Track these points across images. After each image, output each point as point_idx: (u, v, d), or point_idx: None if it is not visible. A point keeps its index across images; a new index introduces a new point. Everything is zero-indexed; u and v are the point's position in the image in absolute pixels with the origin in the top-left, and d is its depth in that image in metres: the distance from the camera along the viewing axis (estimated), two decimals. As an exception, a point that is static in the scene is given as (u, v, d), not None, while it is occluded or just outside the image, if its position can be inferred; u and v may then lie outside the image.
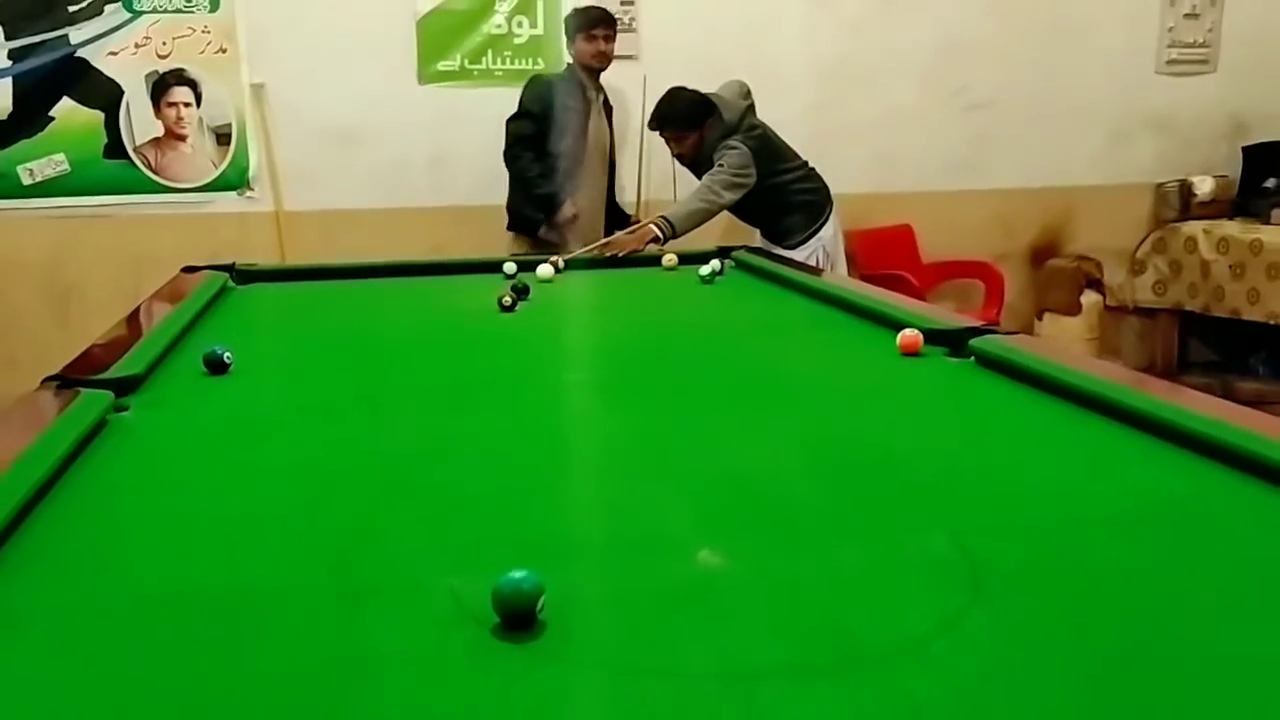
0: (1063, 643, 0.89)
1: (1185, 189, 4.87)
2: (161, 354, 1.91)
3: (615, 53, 4.02)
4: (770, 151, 3.75)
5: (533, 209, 3.92)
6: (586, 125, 3.97)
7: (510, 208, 4.01)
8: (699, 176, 3.77)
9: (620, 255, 3.33)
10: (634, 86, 4.30)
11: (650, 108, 3.85)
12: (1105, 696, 0.81)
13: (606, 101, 4.11)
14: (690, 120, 3.72)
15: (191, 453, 1.48)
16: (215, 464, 1.43)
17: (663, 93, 3.83)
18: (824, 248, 3.84)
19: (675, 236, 3.51)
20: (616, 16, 4.15)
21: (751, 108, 3.83)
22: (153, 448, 1.48)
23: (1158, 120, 4.99)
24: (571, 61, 4.07)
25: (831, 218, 3.90)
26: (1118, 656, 0.87)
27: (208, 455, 1.47)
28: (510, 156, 3.95)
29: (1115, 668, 0.85)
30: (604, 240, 3.51)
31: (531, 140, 3.90)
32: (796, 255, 3.63)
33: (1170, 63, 4.98)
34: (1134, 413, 1.44)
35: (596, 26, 3.94)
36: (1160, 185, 4.96)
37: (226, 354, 1.86)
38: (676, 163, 3.98)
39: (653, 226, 3.49)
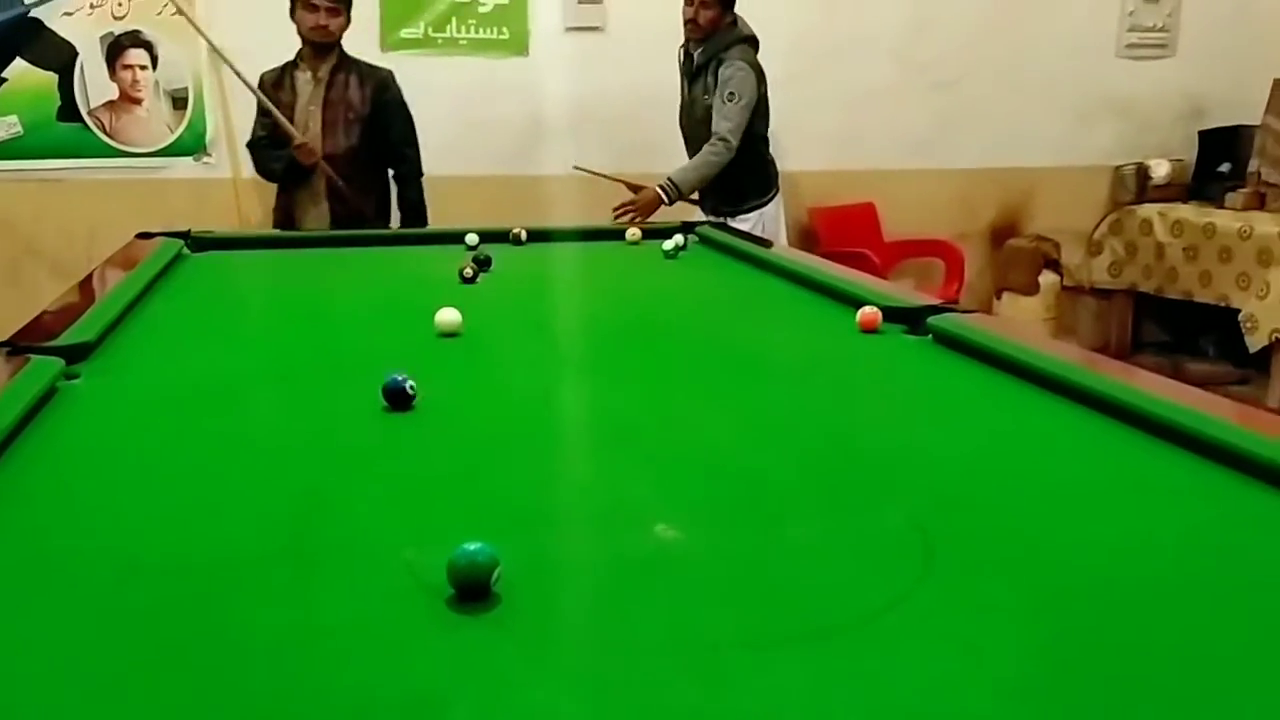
0: (1013, 617, 0.91)
1: (1142, 172, 4.93)
2: (114, 321, 1.88)
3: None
4: (763, 108, 3.78)
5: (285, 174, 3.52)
6: (292, 118, 3.42)
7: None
8: (690, 57, 3.75)
9: (639, 222, 3.39)
10: (599, 59, 4.28)
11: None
12: (1053, 670, 0.82)
13: (363, 80, 3.49)
14: None
15: (143, 421, 1.46)
16: (168, 432, 1.41)
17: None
18: (764, 224, 3.86)
19: (681, 198, 3.55)
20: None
21: None
22: (104, 416, 1.46)
23: (1117, 103, 5.04)
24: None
25: (777, 198, 3.93)
26: (1067, 631, 0.88)
27: (160, 424, 1.45)
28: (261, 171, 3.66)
29: (1064, 642, 0.86)
30: (621, 210, 3.56)
31: (267, 144, 3.53)
32: (741, 224, 3.65)
33: (1130, 46, 5.03)
34: (1087, 392, 1.46)
35: None
36: (1118, 168, 5.02)
37: (409, 384, 1.49)
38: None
39: (657, 190, 3.51)
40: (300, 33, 3.42)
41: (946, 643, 0.86)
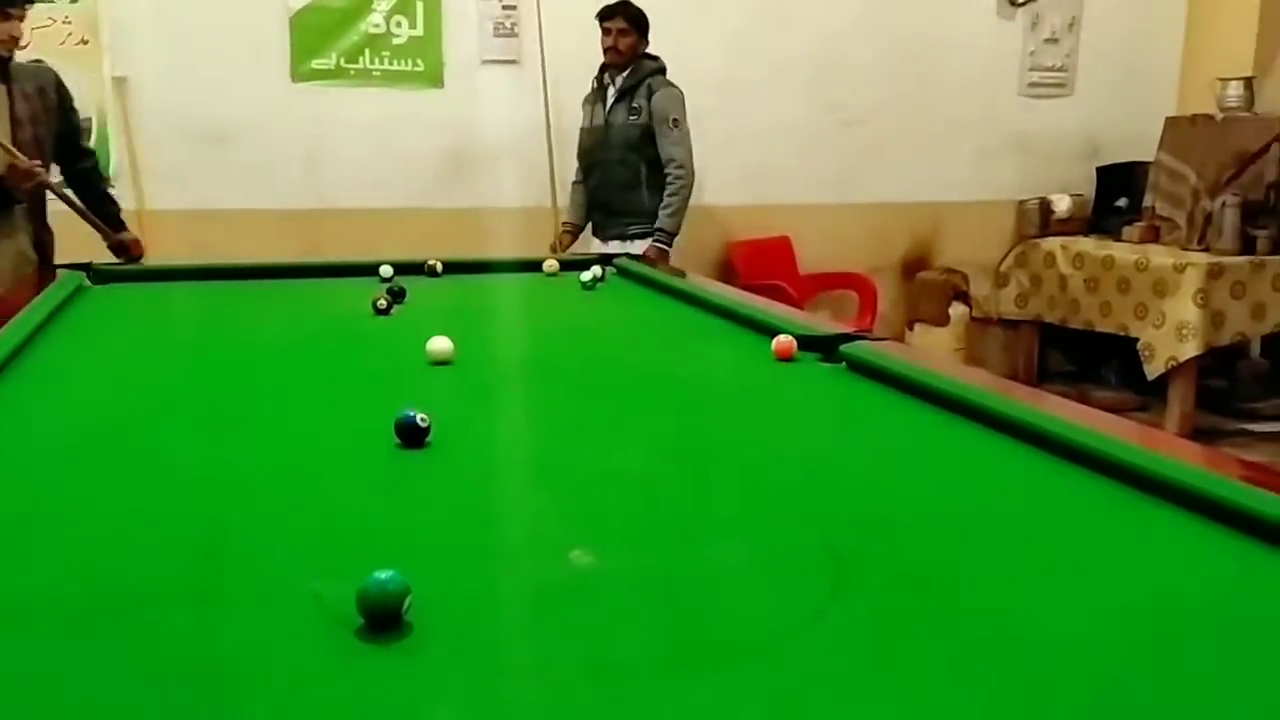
0: (923, 635, 0.91)
1: (1045, 206, 5.10)
2: (9, 356, 1.81)
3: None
4: None
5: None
6: None
7: None
8: (604, 85, 3.88)
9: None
10: (515, 92, 4.29)
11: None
12: (961, 685, 0.83)
13: (41, 84, 3.07)
14: (642, 24, 3.84)
15: (41, 458, 1.40)
16: (66, 469, 1.35)
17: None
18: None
19: (672, 238, 3.81)
20: (496, 20, 4.11)
21: None
22: (-4, 452, 1.39)
23: (1019, 140, 5.22)
24: None
25: None
26: (977, 647, 0.89)
27: (58, 460, 1.39)
28: None
29: (973, 659, 0.87)
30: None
31: None
32: (635, 247, 3.76)
33: (1031, 85, 5.22)
34: (995, 415, 1.49)
35: (10, 3, 2.94)
36: (1022, 202, 5.19)
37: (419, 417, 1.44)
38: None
39: (657, 248, 3.72)
40: None
41: (857, 661, 0.87)
